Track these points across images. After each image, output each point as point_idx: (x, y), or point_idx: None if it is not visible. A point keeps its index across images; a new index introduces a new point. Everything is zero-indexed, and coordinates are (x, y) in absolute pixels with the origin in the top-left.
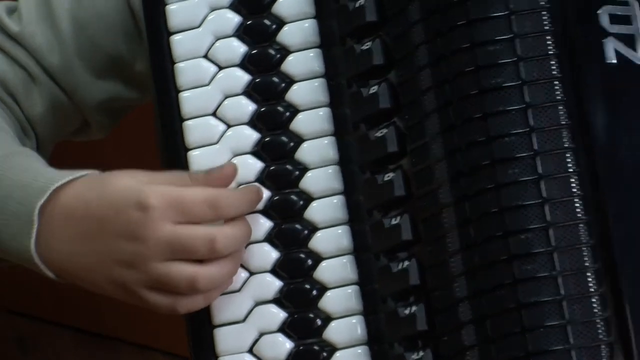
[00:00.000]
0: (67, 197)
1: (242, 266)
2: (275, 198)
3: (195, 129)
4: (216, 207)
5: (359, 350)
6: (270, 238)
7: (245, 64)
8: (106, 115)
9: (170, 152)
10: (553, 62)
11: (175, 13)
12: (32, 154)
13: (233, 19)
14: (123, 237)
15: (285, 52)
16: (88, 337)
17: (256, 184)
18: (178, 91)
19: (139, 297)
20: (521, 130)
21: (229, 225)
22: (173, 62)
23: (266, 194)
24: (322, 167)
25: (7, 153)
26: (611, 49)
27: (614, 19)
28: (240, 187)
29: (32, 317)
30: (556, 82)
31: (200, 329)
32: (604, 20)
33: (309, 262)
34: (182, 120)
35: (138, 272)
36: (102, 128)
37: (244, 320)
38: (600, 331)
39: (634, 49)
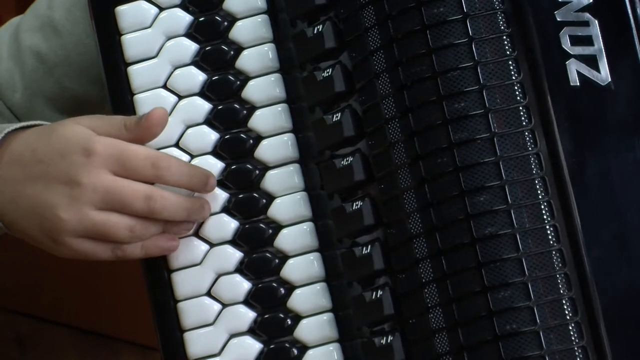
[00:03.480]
0: (18, 143)
1: (215, 299)
2: (244, 227)
3: None
4: (157, 167)
5: None
6: (241, 268)
7: (205, 92)
8: None
9: None
10: (517, 88)
11: (131, 43)
12: None
13: (190, 46)
14: (61, 182)
15: (245, 78)
16: (87, 336)
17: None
18: None
19: (68, 246)
20: (488, 160)
21: (170, 192)
22: (132, 94)
23: (235, 223)
24: (289, 194)
25: None
26: (574, 72)
27: (575, 40)
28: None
29: (31, 316)
30: (521, 109)
31: None
32: (566, 42)
33: (282, 290)
34: None
35: (70, 219)
36: None
37: (219, 353)
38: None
39: (597, 70)
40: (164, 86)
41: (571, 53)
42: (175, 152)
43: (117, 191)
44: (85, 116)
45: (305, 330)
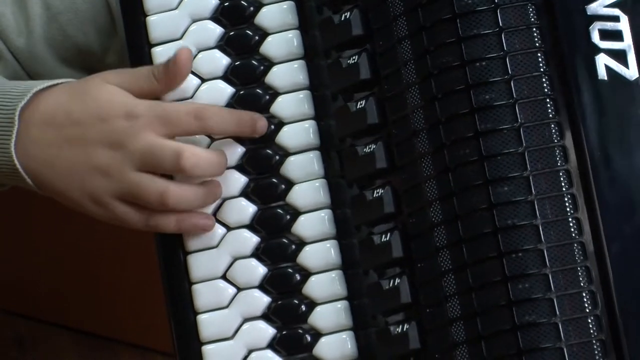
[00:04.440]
0: (47, 103)
1: (230, 282)
2: (262, 212)
3: None
4: (200, 118)
5: None
6: (258, 253)
7: (228, 76)
8: None
9: None
10: (544, 80)
11: (156, 24)
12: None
13: (215, 30)
14: (104, 145)
15: (268, 63)
16: (87, 337)
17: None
18: None
19: (108, 207)
20: (513, 150)
21: (203, 149)
22: None
23: (253, 208)
24: (308, 180)
25: None
26: (602, 66)
27: (605, 34)
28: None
29: (31, 317)
30: (548, 100)
31: (187, 346)
32: (595, 37)
33: (298, 277)
34: None
35: (111, 181)
36: None
37: (232, 337)
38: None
39: (626, 65)
40: None
41: (600, 47)
42: (196, 136)
43: (151, 149)
44: (110, 72)
45: (320, 317)
